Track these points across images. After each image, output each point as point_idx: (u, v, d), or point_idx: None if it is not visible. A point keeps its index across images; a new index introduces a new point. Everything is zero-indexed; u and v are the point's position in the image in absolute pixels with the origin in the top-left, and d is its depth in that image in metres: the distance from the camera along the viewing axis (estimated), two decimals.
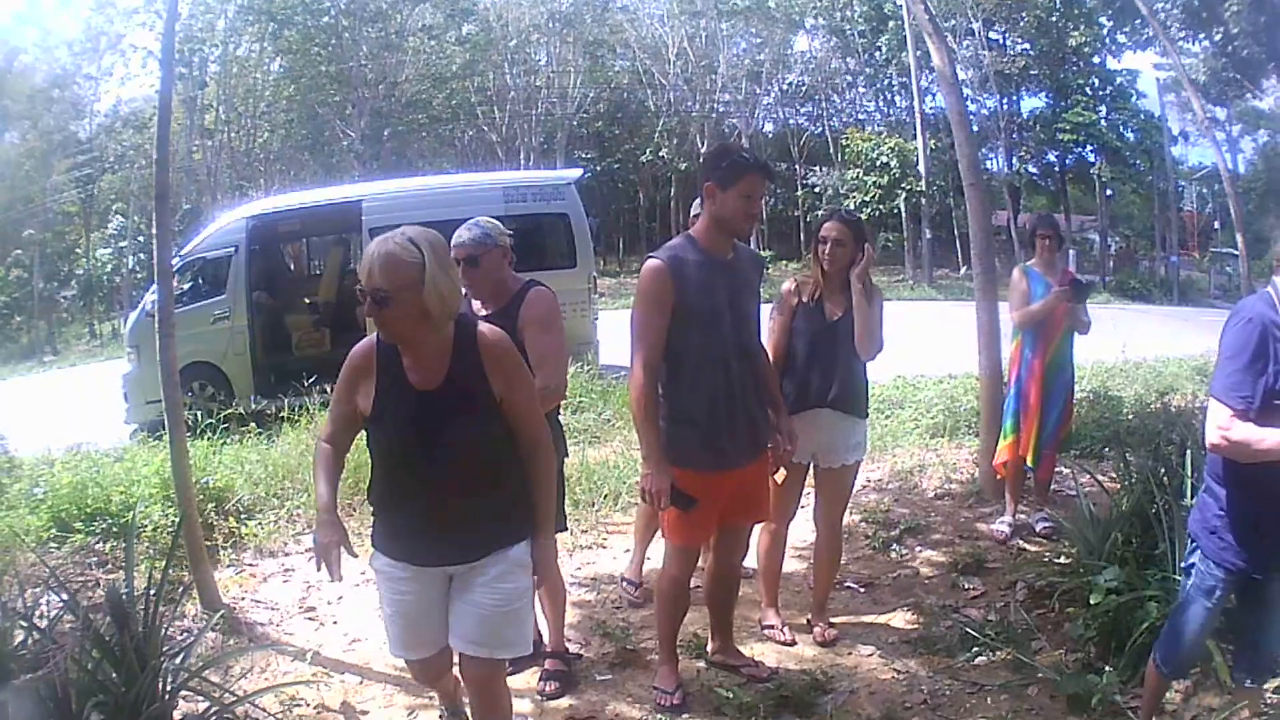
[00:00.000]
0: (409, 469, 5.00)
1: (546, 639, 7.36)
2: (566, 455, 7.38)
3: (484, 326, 5.07)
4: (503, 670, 5.49)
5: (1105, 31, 54.85)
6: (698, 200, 7.61)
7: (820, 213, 8.70)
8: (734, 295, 6.38)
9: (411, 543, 5.13)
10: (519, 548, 5.13)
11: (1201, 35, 33.44)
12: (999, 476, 10.45)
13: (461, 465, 4.93)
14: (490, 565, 5.08)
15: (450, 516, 5.00)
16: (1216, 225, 68.02)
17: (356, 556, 5.11)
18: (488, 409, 4.93)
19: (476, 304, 6.78)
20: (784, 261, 56.67)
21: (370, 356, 5.05)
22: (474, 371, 4.91)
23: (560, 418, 7.40)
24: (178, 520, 8.41)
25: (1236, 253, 28.94)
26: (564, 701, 7.03)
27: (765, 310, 7.04)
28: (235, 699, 6.54)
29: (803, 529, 8.85)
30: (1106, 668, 6.72)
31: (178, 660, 6.49)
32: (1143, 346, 19.76)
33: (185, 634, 7.73)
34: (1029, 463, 10.04)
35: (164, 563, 7.41)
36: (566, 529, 7.56)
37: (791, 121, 70.32)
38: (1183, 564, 5.66)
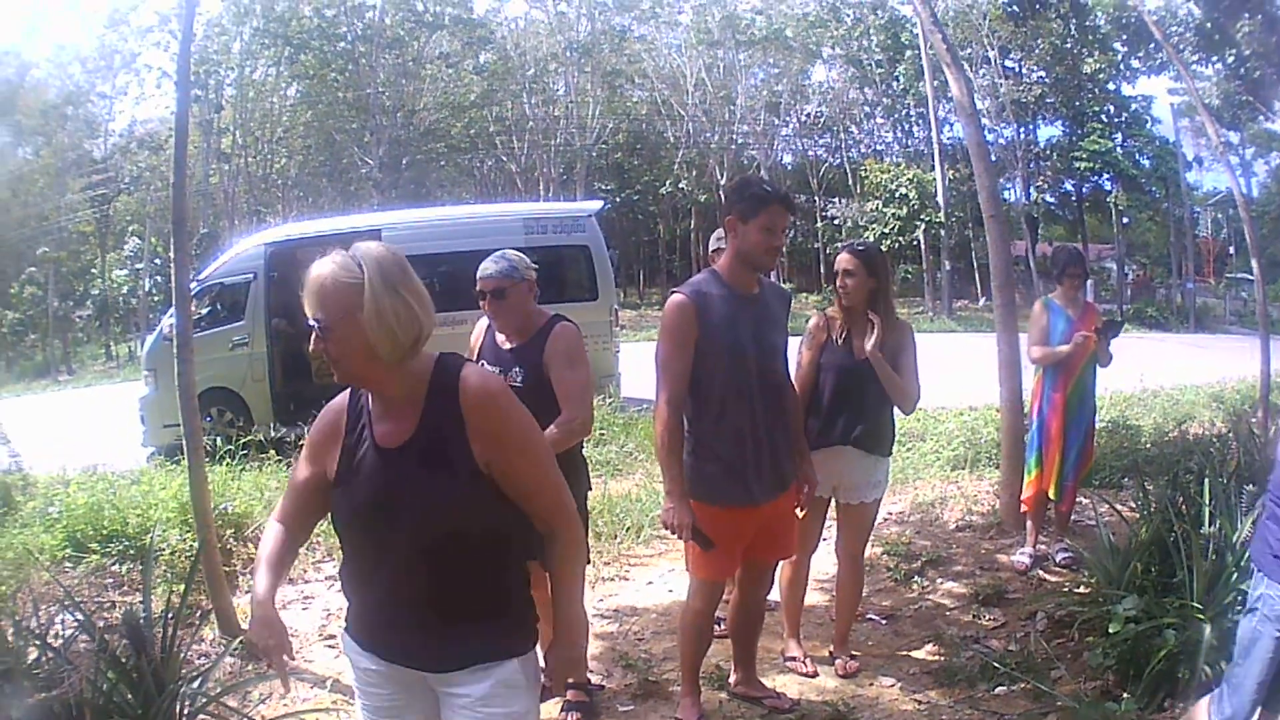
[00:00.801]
0: (371, 543, 3.94)
1: None
2: (590, 489, 7.35)
3: (470, 370, 3.90)
4: None
5: (1119, 58, 54.86)
6: (716, 234, 7.64)
7: (839, 245, 8.73)
8: (759, 330, 6.35)
9: (379, 633, 4.01)
10: (511, 666, 3.95)
11: (1214, 58, 33.36)
12: (1024, 511, 10.39)
13: (427, 542, 3.81)
14: (472, 682, 3.90)
15: (416, 608, 3.91)
16: (1231, 250, 68.14)
17: (287, 689, 4.58)
18: (467, 473, 3.79)
19: (501, 338, 6.78)
20: (804, 294, 56.80)
21: (341, 411, 4.12)
22: (450, 424, 3.81)
23: (583, 451, 7.36)
24: (197, 545, 8.46)
25: (1252, 278, 28.93)
26: None
27: (793, 343, 7.04)
28: None
29: (824, 561, 8.85)
30: (1125, 695, 6.70)
31: (195, 685, 6.47)
32: (1160, 375, 19.79)
33: (203, 659, 7.75)
34: (1051, 495, 10.00)
35: (183, 587, 7.40)
36: (590, 562, 7.47)
37: (810, 153, 70.75)
38: (1246, 604, 5.35)
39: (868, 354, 7.30)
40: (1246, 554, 5.78)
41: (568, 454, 6.30)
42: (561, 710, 7.10)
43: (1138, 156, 58.90)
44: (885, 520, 11.38)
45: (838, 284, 7.42)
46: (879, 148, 69.07)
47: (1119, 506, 9.80)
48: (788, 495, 6.67)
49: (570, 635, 4.10)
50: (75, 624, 6.96)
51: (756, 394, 6.29)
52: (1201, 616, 6.30)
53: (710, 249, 8.37)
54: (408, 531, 3.78)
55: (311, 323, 3.90)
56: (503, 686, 3.89)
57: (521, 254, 6.77)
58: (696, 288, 6.32)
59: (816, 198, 64.40)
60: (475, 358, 6.79)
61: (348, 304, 3.79)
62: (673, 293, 6.40)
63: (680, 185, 65.19)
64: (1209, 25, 31.52)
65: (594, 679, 7.70)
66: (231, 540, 10.42)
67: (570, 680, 6.96)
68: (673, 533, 6.39)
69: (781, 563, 7.46)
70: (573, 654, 4.15)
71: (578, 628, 4.20)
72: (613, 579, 10.30)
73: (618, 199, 64.91)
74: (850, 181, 62.96)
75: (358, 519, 3.91)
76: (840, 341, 7.39)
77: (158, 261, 51.66)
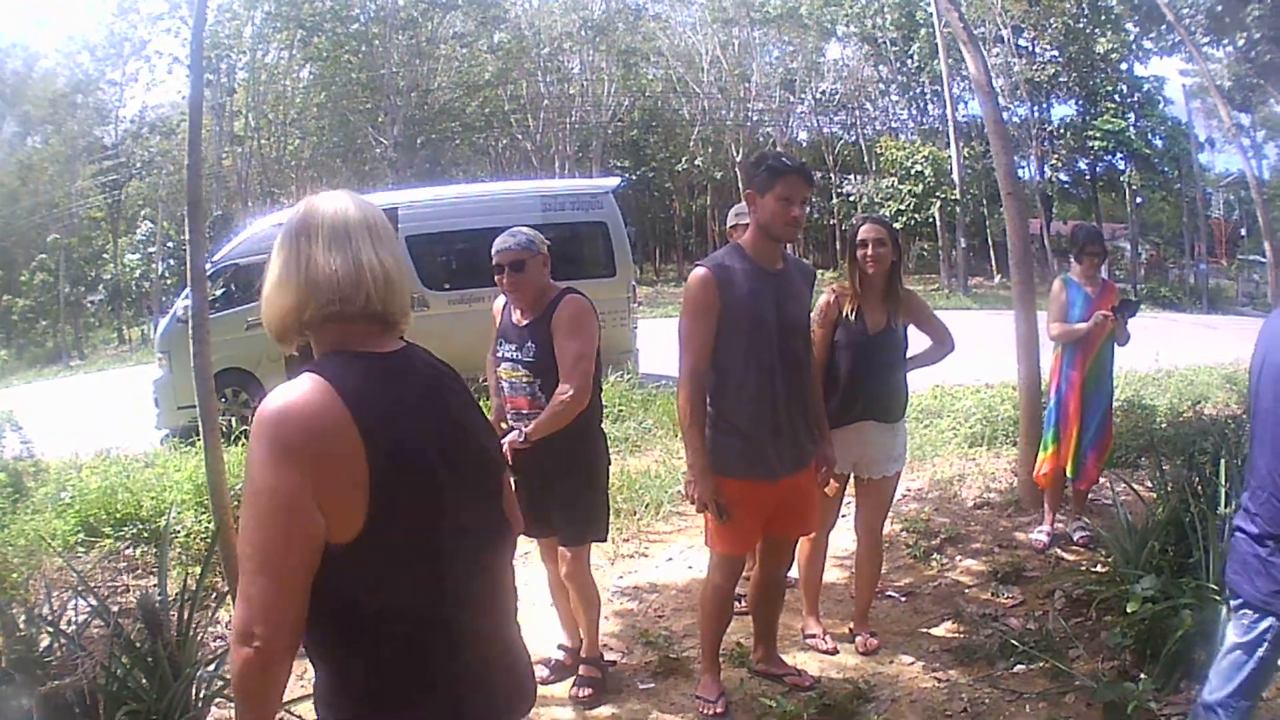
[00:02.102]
0: None
1: (584, 646, 7.35)
2: (609, 463, 7.31)
3: (282, 387, 3.00)
4: None
5: (1132, 38, 54.79)
6: (735, 209, 7.77)
7: (855, 220, 8.78)
8: (781, 305, 6.36)
9: None
10: None
11: (1225, 41, 33.31)
12: (1040, 488, 10.38)
13: None
14: None
15: None
16: (1244, 232, 68.03)
17: None
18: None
19: (517, 315, 6.81)
20: (821, 271, 56.75)
21: None
22: None
23: (603, 425, 7.34)
24: (214, 527, 8.48)
25: (1264, 260, 28.80)
26: (606, 710, 7.05)
27: None
28: None
29: (844, 538, 8.91)
30: (1142, 675, 6.71)
31: (211, 668, 6.45)
32: (1174, 355, 19.78)
33: (220, 642, 7.70)
34: (1068, 473, 9.98)
35: (200, 569, 7.41)
36: (606, 539, 7.44)
37: (826, 130, 70.73)
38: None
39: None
40: None
41: (587, 428, 6.48)
42: (574, 685, 7.15)
43: (1150, 136, 58.96)
44: (903, 497, 11.40)
45: (864, 254, 7.42)
46: (894, 125, 68.92)
47: (1136, 486, 9.81)
48: (808, 471, 6.69)
49: None
50: (88, 609, 6.96)
51: (778, 368, 6.32)
52: (1218, 598, 6.28)
53: (729, 225, 8.43)
54: None
55: None
56: None
57: (533, 230, 6.80)
58: (719, 261, 6.37)
59: (832, 175, 64.56)
60: (495, 336, 6.90)
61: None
62: (695, 266, 6.45)
63: (696, 162, 65.58)
64: (1220, 8, 31.44)
65: (614, 656, 7.80)
66: None
67: (584, 655, 7.16)
68: (694, 505, 6.44)
69: (800, 540, 7.46)
70: None
71: None
72: (632, 555, 10.36)
73: (633, 176, 64.77)
74: (866, 159, 63.16)
75: None
76: (853, 317, 7.41)
77: (170, 245, 52.03)
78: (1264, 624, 4.89)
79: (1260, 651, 4.94)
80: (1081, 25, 55.33)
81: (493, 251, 6.65)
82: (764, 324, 6.23)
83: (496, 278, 6.67)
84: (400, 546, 2.94)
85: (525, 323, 6.71)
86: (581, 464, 6.56)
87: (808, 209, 6.34)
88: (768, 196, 6.16)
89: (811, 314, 7.11)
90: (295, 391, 2.94)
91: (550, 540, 7.07)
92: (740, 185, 7.52)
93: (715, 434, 6.34)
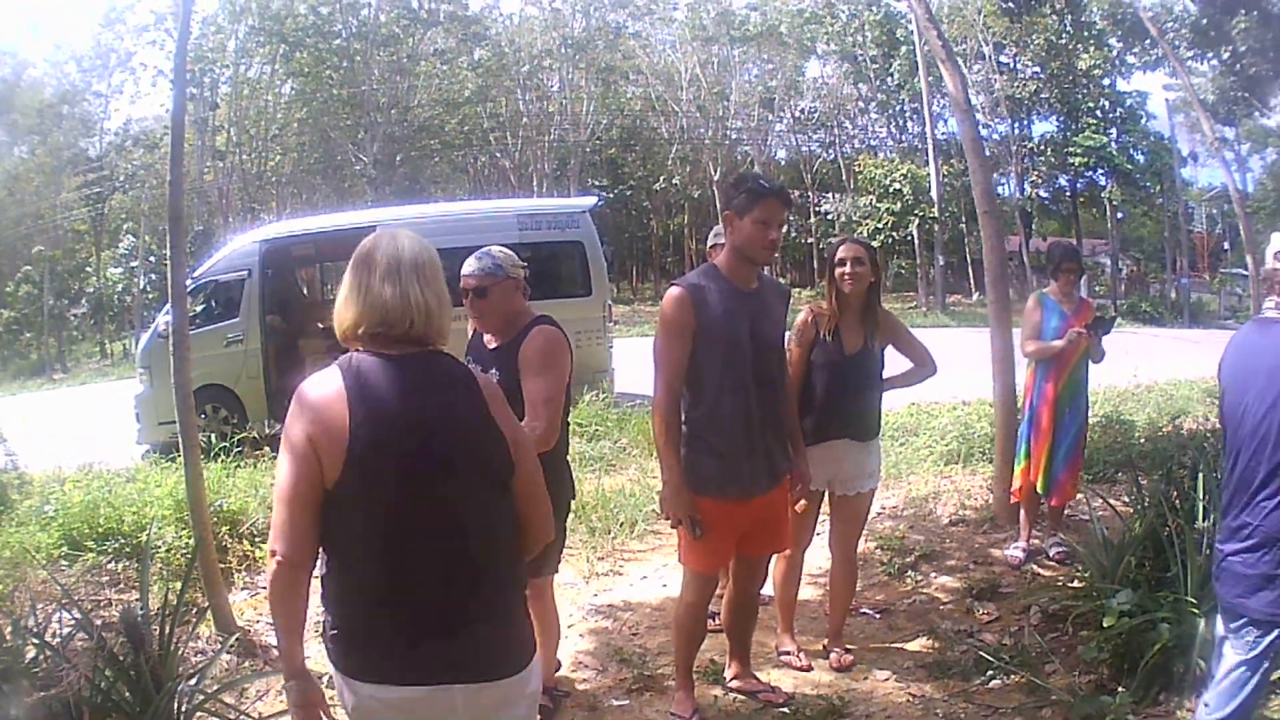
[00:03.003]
0: None
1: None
2: (574, 496, 7.29)
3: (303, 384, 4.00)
4: None
5: (1114, 53, 54.99)
6: (715, 230, 7.73)
7: (833, 239, 8.82)
8: (756, 325, 6.39)
9: None
10: None
11: (1209, 54, 33.40)
12: (1015, 502, 10.43)
13: None
14: None
15: None
16: (1226, 246, 68.21)
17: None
18: None
19: (488, 337, 6.72)
20: (798, 290, 56.97)
21: None
22: None
23: (568, 455, 7.28)
24: (193, 543, 8.42)
25: (1246, 273, 28.90)
26: None
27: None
28: None
29: (818, 556, 8.84)
30: (1119, 689, 6.73)
31: (193, 682, 6.51)
32: (1154, 370, 19.80)
33: (200, 656, 7.73)
34: (1039, 489, 10.02)
35: (180, 584, 7.43)
36: (556, 571, 7.37)
37: (804, 148, 71.34)
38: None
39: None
40: None
41: (549, 461, 6.04)
42: None
43: (1132, 152, 59.10)
44: (878, 515, 11.41)
45: (842, 273, 7.44)
46: (873, 143, 69.39)
47: (1113, 501, 9.75)
48: (781, 489, 6.72)
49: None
50: (73, 622, 7.00)
51: (752, 388, 6.35)
52: (1196, 611, 6.35)
53: (708, 245, 8.45)
54: None
55: None
56: None
57: (509, 251, 6.69)
58: (694, 281, 6.40)
59: (810, 193, 64.97)
60: (466, 351, 6.76)
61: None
62: (671, 286, 6.48)
63: (674, 181, 65.81)
64: (1205, 21, 31.53)
65: (589, 673, 7.86)
66: (227, 537, 10.42)
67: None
68: (669, 521, 6.50)
69: (775, 557, 7.50)
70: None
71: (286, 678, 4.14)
72: (607, 574, 10.33)
73: (611, 195, 64.98)
74: (844, 177, 63.32)
75: None
76: (830, 338, 7.43)
77: (152, 259, 51.95)
78: (1269, 638, 4.93)
79: (1265, 665, 4.99)
80: (1064, 41, 55.43)
81: (460, 274, 6.51)
82: (739, 343, 6.27)
83: (464, 301, 6.55)
84: (362, 503, 3.78)
85: (495, 346, 6.62)
86: None
87: (785, 229, 6.38)
88: (746, 219, 6.21)
89: (788, 333, 7.21)
90: (318, 375, 3.94)
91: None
92: (718, 205, 7.52)
93: (690, 452, 6.38)
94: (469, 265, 6.53)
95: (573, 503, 7.35)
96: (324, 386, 3.87)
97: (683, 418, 6.39)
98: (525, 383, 6.22)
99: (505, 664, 4.03)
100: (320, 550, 3.89)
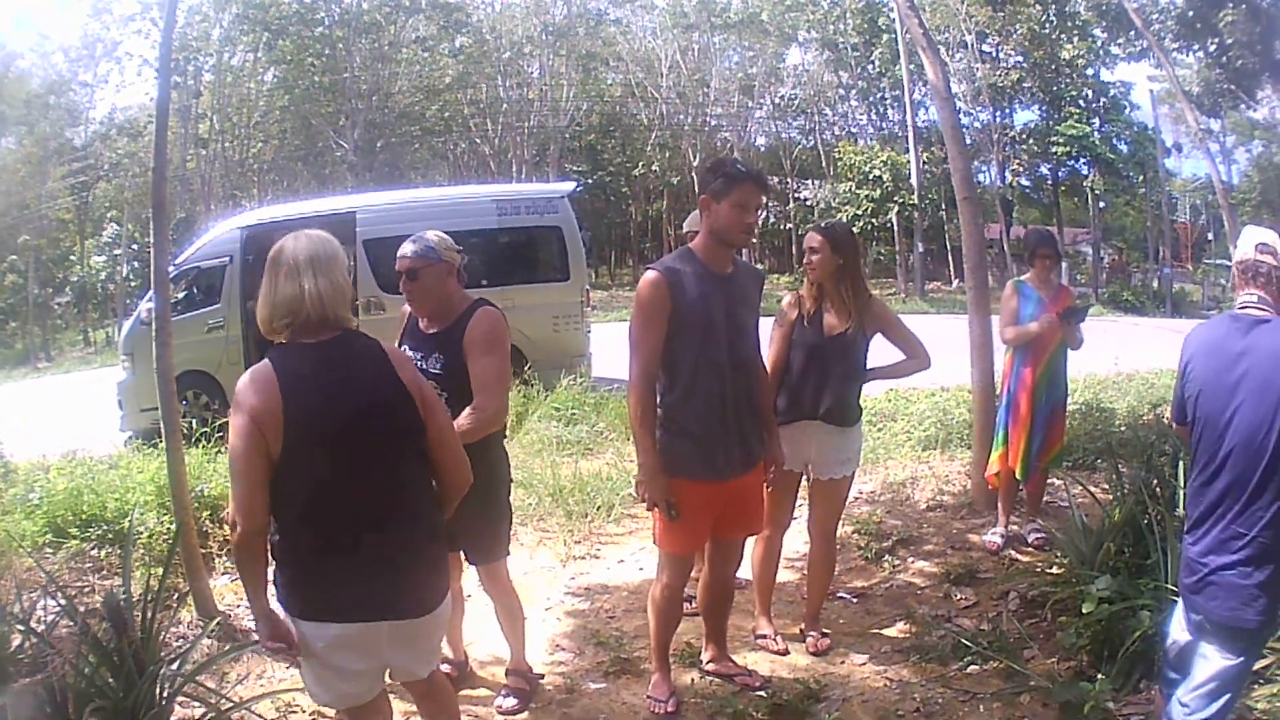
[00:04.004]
0: None
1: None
2: (511, 481, 7.22)
3: (255, 366, 4.74)
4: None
5: (1099, 44, 54.95)
6: (691, 217, 7.68)
7: (808, 226, 8.90)
8: (731, 309, 6.44)
9: None
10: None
11: (1195, 46, 33.41)
12: (991, 488, 10.45)
13: None
14: None
15: None
16: (1210, 237, 68.25)
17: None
18: None
19: (423, 322, 6.74)
20: (776, 275, 56.95)
21: None
22: None
23: (503, 442, 7.13)
24: (174, 528, 8.48)
25: (1230, 264, 29.00)
26: (558, 710, 7.09)
27: (766, 324, 7.10)
28: (231, 705, 6.57)
29: (795, 539, 8.89)
30: (1099, 675, 6.75)
31: (174, 666, 6.54)
32: (1135, 358, 19.73)
33: (181, 641, 7.76)
34: (1017, 475, 10.03)
35: (161, 570, 7.43)
36: (508, 554, 7.35)
37: (784, 135, 71.18)
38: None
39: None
40: None
41: (485, 446, 6.34)
42: (500, 695, 7.16)
43: (1115, 141, 59.16)
44: (856, 499, 11.43)
45: (804, 261, 7.60)
46: (853, 130, 69.54)
47: (1092, 488, 9.83)
48: (756, 472, 6.77)
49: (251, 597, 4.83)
50: (57, 609, 7.09)
51: (727, 371, 6.40)
52: (1176, 598, 6.23)
53: (684, 230, 8.40)
54: None
55: None
56: None
57: (445, 236, 6.73)
58: (670, 265, 6.44)
59: (789, 179, 65.31)
60: (398, 341, 6.77)
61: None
62: (647, 269, 6.51)
63: (653, 168, 65.61)
64: (1191, 14, 31.52)
65: (567, 656, 7.92)
66: (208, 523, 10.40)
67: (510, 667, 7.24)
68: (645, 504, 6.53)
69: (753, 541, 7.58)
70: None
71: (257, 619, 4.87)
72: (583, 557, 10.38)
73: (590, 181, 65.14)
74: (824, 164, 63.61)
75: None
76: (809, 320, 7.48)
77: (135, 247, 51.95)
78: (1260, 643, 5.05)
79: (1251, 666, 5.11)
80: (1048, 31, 55.46)
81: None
82: (714, 327, 6.32)
83: (400, 283, 6.63)
84: (301, 468, 4.52)
85: (432, 331, 6.62)
86: (478, 483, 5.91)
87: (763, 214, 6.42)
88: (723, 203, 6.25)
89: (769, 318, 7.24)
90: (254, 369, 4.65)
91: (455, 555, 6.86)
92: (697, 191, 7.58)
93: (666, 435, 6.43)
94: (404, 249, 6.58)
95: (512, 484, 7.27)
96: (259, 375, 4.59)
97: (658, 401, 6.43)
98: (473, 364, 6.29)
99: (424, 604, 4.96)
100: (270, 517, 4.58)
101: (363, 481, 4.65)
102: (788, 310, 7.58)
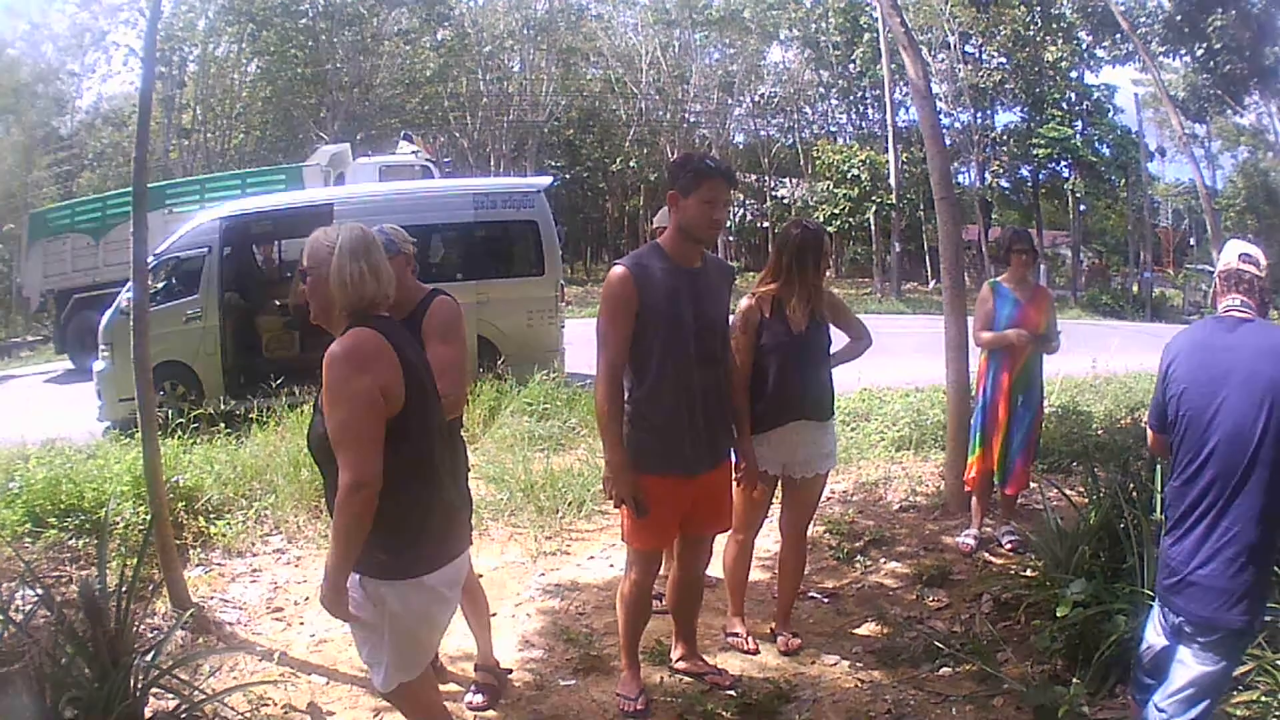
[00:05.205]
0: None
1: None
2: (469, 469, 7.24)
3: (344, 337, 4.84)
4: (383, 692, 5.31)
5: (1084, 46, 54.96)
6: (660, 212, 7.71)
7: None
8: (699, 304, 6.48)
9: None
10: (353, 580, 4.89)
11: (1182, 51, 33.49)
12: (968, 490, 10.45)
13: (322, 472, 5.16)
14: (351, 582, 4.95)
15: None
16: (1192, 242, 68.33)
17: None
18: (322, 417, 4.84)
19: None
20: (751, 274, 56.95)
21: None
22: (320, 378, 4.82)
23: (462, 431, 7.18)
24: (149, 519, 8.56)
25: (1212, 269, 29.03)
26: (527, 707, 7.11)
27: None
28: (204, 697, 6.61)
29: (766, 538, 8.88)
30: (1074, 679, 6.73)
31: (149, 658, 6.58)
32: (1113, 362, 19.80)
33: (155, 632, 7.84)
34: (996, 478, 10.05)
35: (135, 560, 7.44)
36: (470, 542, 7.37)
37: (763, 133, 70.66)
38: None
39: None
40: None
41: (451, 427, 6.33)
42: (469, 692, 7.17)
43: (1097, 144, 58.98)
44: (828, 499, 11.44)
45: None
46: (832, 129, 69.66)
47: (1068, 491, 9.89)
48: (724, 468, 6.83)
49: (334, 566, 4.82)
50: (35, 598, 7.15)
51: (695, 366, 6.45)
52: (1152, 603, 6.20)
53: (654, 227, 8.52)
54: (315, 460, 5.24)
55: (300, 270, 5.02)
56: (353, 590, 4.91)
57: (399, 228, 6.81)
58: (637, 260, 6.50)
59: (767, 177, 65.10)
60: None
61: (323, 259, 4.87)
62: (614, 265, 6.54)
63: (630, 163, 65.24)
64: (1180, 18, 31.56)
65: (537, 653, 8.01)
66: (183, 514, 10.49)
67: (478, 663, 7.26)
68: (612, 501, 6.57)
69: (726, 540, 7.65)
70: (324, 588, 4.90)
71: (329, 567, 4.85)
72: (554, 553, 10.42)
73: (568, 176, 65.39)
74: (802, 162, 63.40)
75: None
76: (773, 319, 7.45)
77: None
78: (1243, 646, 5.09)
79: (1232, 670, 5.14)
80: (1032, 33, 55.42)
81: None
82: (681, 322, 6.36)
83: None
84: (413, 426, 4.88)
85: None
86: None
87: (741, 212, 6.43)
88: (691, 198, 6.30)
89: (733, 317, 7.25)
90: (357, 335, 4.78)
91: None
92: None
93: (633, 430, 6.48)
94: None
95: (469, 472, 7.24)
96: (374, 342, 4.78)
97: (626, 396, 6.47)
98: (432, 350, 6.18)
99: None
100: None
101: (438, 435, 5.19)
102: (750, 314, 7.53)
